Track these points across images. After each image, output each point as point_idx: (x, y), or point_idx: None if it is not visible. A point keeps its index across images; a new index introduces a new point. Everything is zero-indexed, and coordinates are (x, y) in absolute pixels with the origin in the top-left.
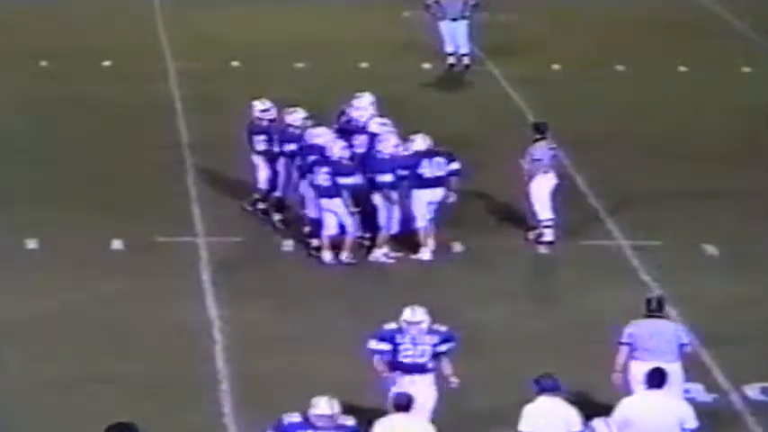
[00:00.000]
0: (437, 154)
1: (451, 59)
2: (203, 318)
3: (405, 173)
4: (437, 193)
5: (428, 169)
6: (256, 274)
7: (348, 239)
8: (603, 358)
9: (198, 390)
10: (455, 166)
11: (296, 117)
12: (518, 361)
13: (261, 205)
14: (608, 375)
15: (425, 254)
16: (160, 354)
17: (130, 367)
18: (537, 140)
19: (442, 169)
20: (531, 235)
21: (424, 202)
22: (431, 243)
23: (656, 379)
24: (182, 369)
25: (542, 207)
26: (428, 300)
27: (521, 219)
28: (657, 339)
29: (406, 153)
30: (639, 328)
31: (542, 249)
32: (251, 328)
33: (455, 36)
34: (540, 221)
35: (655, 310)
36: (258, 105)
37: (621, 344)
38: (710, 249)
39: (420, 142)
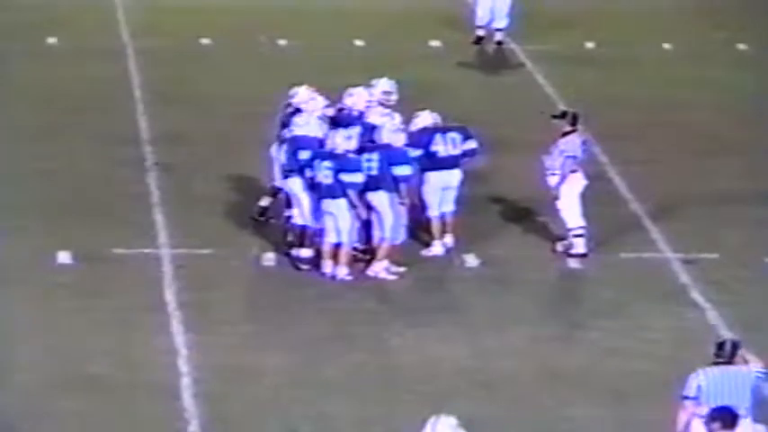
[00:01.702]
0: (450, 129)
1: (481, 32)
2: (167, 345)
3: (416, 153)
4: (455, 177)
5: (442, 147)
6: (230, 293)
7: (344, 251)
8: (643, 394)
9: (161, 431)
10: (471, 144)
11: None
12: (542, 398)
13: (264, 202)
14: (648, 413)
15: (438, 248)
16: (115, 388)
17: (80, 404)
18: (567, 133)
19: (458, 147)
20: (560, 246)
21: (437, 187)
22: (448, 237)
23: (728, 420)
24: (141, 406)
25: (571, 213)
26: (436, 324)
27: (547, 227)
28: (730, 393)
29: (413, 129)
30: (710, 380)
31: (573, 263)
32: (223, 357)
33: (494, 8)
34: (569, 230)
35: (728, 356)
36: (304, 93)
37: (687, 399)
38: None
39: (427, 117)
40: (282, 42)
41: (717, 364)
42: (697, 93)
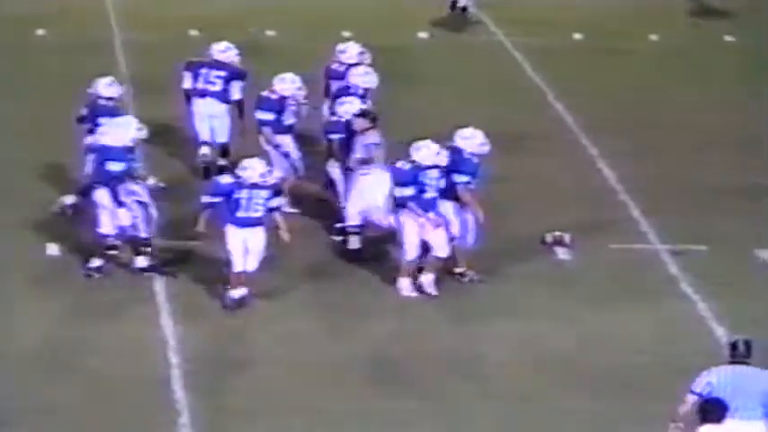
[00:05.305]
0: None
1: None
2: (157, 336)
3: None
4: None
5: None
6: (220, 284)
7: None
8: (632, 386)
9: (152, 423)
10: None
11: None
12: (531, 389)
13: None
14: (636, 407)
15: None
16: (105, 380)
17: (71, 396)
18: (366, 130)
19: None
20: (549, 237)
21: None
22: None
23: (717, 413)
24: (132, 398)
25: (353, 208)
26: (426, 316)
27: (535, 218)
28: (743, 393)
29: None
30: (722, 378)
31: (562, 254)
32: (214, 349)
33: None
34: (347, 225)
35: (741, 355)
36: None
37: (694, 394)
38: (765, 255)
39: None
40: (271, 33)
41: (732, 363)
42: (685, 84)
